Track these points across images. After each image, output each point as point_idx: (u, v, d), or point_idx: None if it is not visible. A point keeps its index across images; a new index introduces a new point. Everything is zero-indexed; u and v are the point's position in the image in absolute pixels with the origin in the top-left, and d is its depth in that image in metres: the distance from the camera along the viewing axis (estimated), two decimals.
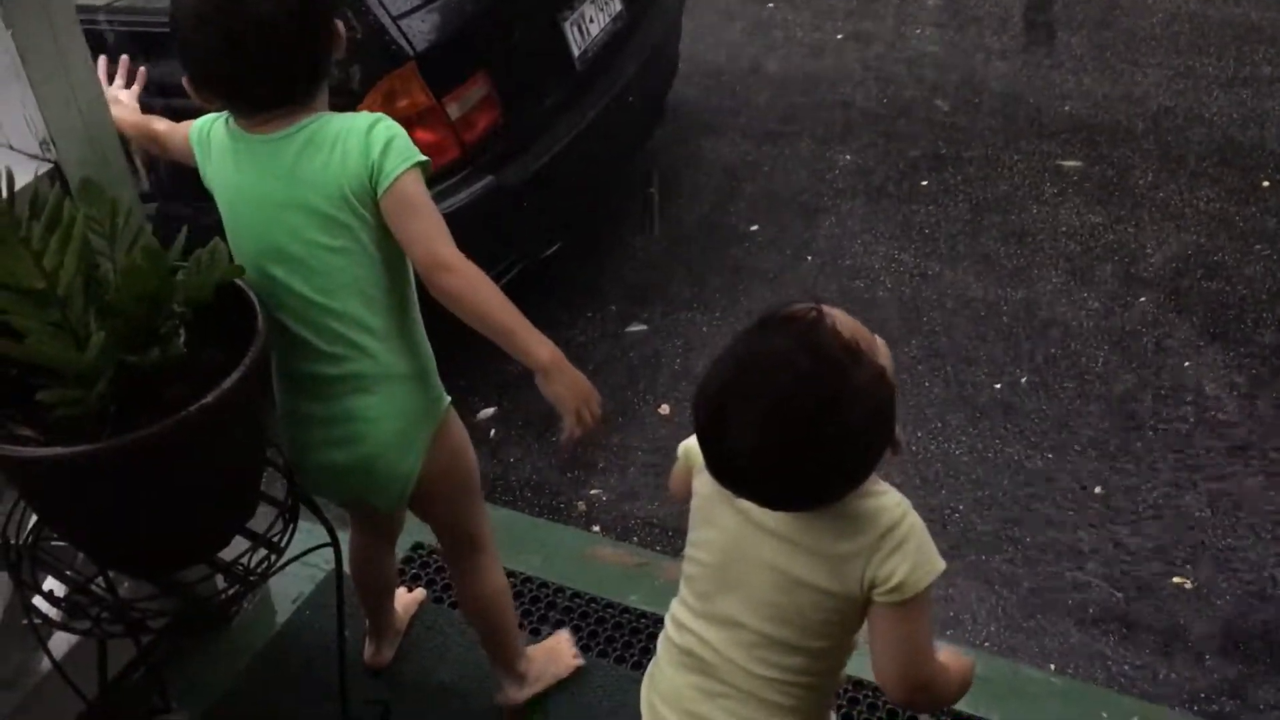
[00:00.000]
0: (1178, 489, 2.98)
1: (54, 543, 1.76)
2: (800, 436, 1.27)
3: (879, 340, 1.36)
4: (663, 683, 1.55)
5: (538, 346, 1.69)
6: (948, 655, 1.51)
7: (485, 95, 3.18)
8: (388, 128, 1.68)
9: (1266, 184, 4.07)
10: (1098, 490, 3.00)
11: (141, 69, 2.06)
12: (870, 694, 2.20)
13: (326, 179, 1.66)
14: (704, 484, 1.47)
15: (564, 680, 2.24)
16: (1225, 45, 4.85)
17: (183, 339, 1.58)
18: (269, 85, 1.66)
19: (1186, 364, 3.35)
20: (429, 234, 1.68)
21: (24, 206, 1.48)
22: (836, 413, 1.26)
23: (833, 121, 4.61)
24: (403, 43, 2.99)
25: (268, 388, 1.80)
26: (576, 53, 3.52)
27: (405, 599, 2.40)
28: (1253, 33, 4.92)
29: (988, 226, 3.98)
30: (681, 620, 1.52)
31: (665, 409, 3.36)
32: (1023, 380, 3.35)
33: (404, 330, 1.81)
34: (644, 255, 4.01)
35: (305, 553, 1.81)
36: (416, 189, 1.67)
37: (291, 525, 1.77)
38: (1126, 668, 2.56)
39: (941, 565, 1.36)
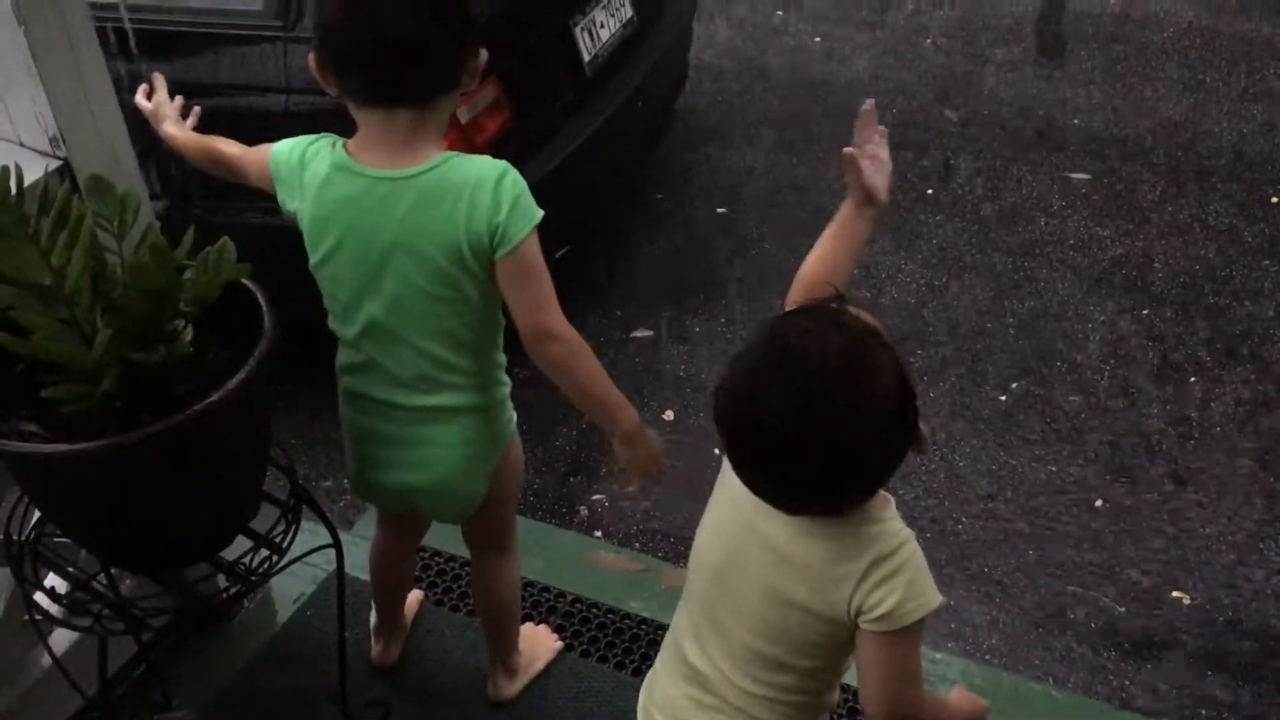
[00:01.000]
0: (1181, 504, 2.98)
1: (56, 539, 1.76)
2: (833, 415, 1.25)
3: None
4: (659, 691, 1.55)
5: (624, 417, 1.75)
6: (961, 696, 1.50)
7: (495, 99, 3.18)
8: (515, 182, 1.63)
9: (1276, 200, 4.07)
10: (1100, 504, 2.99)
11: (197, 108, 1.96)
12: None
13: (447, 231, 1.61)
14: (721, 480, 1.47)
15: (564, 686, 2.25)
16: (1236, 60, 4.85)
17: (189, 337, 1.58)
18: (400, 75, 1.59)
19: (1192, 379, 3.34)
20: (539, 299, 1.67)
21: (33, 203, 1.48)
22: (867, 387, 1.25)
23: (841, 129, 4.59)
24: None
25: (273, 388, 1.80)
26: (587, 58, 3.52)
27: (407, 599, 2.40)
28: (1264, 48, 4.92)
29: (995, 238, 3.97)
30: (681, 629, 1.52)
31: (669, 415, 3.36)
32: (1028, 392, 3.34)
33: (487, 367, 1.80)
34: (651, 261, 4.01)
35: (307, 553, 1.81)
36: (534, 252, 1.65)
37: (294, 526, 1.77)
38: (1128, 682, 2.56)
39: (936, 601, 1.34)
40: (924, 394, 3.35)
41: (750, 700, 1.43)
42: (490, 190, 1.61)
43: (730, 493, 1.42)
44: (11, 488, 1.78)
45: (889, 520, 1.36)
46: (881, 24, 5.33)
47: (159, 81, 1.95)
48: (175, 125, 1.89)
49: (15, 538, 1.71)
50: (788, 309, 1.45)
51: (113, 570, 1.72)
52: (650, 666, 1.62)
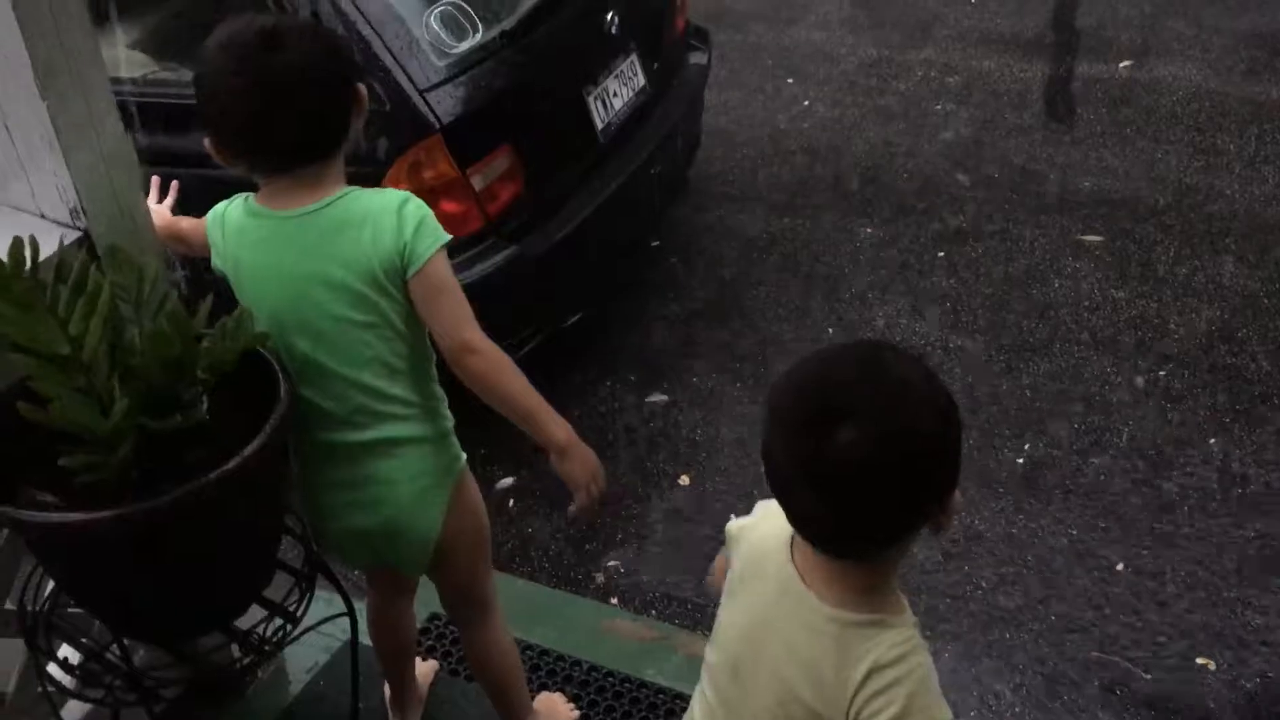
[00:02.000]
0: (1204, 567, 2.94)
1: (70, 609, 1.76)
2: (913, 450, 1.24)
3: None
4: None
5: (556, 428, 1.78)
6: None
7: (509, 167, 3.21)
8: (418, 207, 1.70)
9: None
10: (1121, 568, 2.96)
11: (175, 182, 2.06)
12: None
13: (358, 256, 1.68)
14: (737, 561, 1.46)
15: None
16: (1245, 123, 4.87)
17: (205, 405, 1.58)
18: (294, 135, 1.66)
19: (1211, 440, 3.32)
20: (455, 316, 1.72)
21: (50, 272, 1.49)
22: (946, 426, 1.27)
23: (853, 195, 4.64)
24: (429, 115, 3.03)
25: (289, 455, 1.80)
26: (600, 126, 3.56)
27: (421, 668, 2.38)
28: (1274, 111, 4.94)
29: (1009, 300, 3.97)
30: (696, 716, 1.51)
31: (685, 480, 3.35)
32: (1045, 455, 3.32)
33: (424, 396, 1.82)
34: (665, 326, 4.01)
35: (321, 622, 1.80)
36: (444, 270, 1.71)
37: (308, 594, 1.76)
38: None
39: (946, 717, 1.30)
40: None
41: None
42: (394, 213, 1.68)
43: (752, 591, 1.42)
44: (26, 557, 1.77)
45: (897, 627, 1.32)
46: (891, 90, 5.38)
47: (173, 189, 2.04)
48: (154, 213, 1.94)
49: (29, 609, 1.71)
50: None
51: (126, 641, 1.71)
52: None
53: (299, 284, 1.71)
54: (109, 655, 1.70)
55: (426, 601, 2.23)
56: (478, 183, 3.13)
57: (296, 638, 1.73)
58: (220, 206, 1.82)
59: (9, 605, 1.80)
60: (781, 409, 1.30)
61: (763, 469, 1.32)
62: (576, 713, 2.30)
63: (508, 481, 3.37)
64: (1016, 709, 2.62)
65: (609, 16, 3.57)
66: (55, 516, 1.48)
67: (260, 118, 1.64)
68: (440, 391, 1.86)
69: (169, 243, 1.97)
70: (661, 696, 2.35)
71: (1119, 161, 4.71)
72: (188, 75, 3.17)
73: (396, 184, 2.93)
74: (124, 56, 3.19)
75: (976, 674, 2.68)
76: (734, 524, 1.51)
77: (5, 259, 1.41)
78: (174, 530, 1.50)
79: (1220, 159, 4.66)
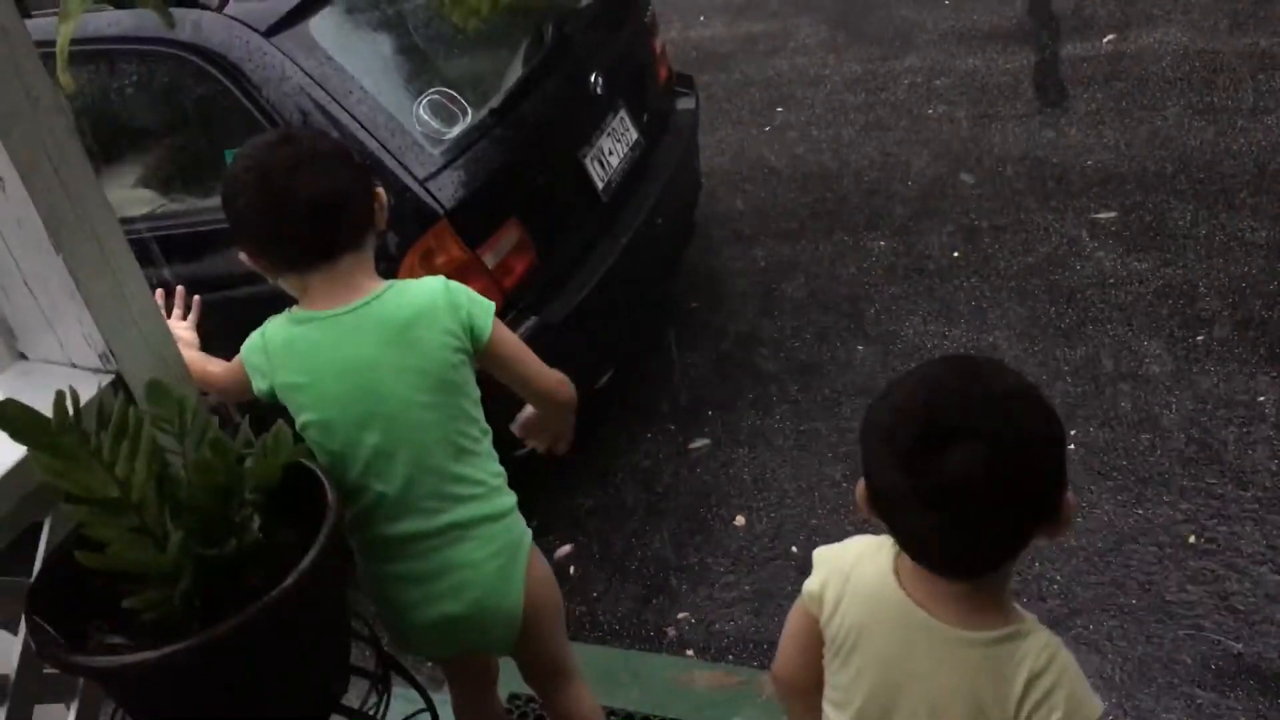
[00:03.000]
0: (1275, 527, 2.89)
1: None
2: (1028, 457, 1.25)
3: None
4: None
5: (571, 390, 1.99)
6: None
7: (518, 240, 3.24)
8: (458, 285, 1.80)
9: None
10: (1193, 540, 2.91)
11: (197, 298, 2.12)
12: None
13: (424, 338, 1.74)
14: (839, 616, 1.41)
15: None
16: (1240, 77, 4.85)
17: (257, 524, 1.59)
18: (334, 228, 1.73)
19: (1261, 398, 3.27)
20: (538, 361, 1.89)
21: (90, 419, 1.51)
22: (1052, 426, 1.29)
23: (861, 211, 4.64)
24: (432, 203, 3.07)
25: (347, 559, 1.81)
26: (600, 185, 3.59)
27: None
28: (1266, 60, 4.92)
29: (1034, 290, 3.95)
30: None
31: (740, 520, 3.33)
32: (1098, 438, 3.28)
33: (490, 475, 1.85)
34: (696, 370, 4.02)
35: None
36: (507, 330, 1.83)
37: (385, 695, 1.76)
38: None
39: (1098, 711, 1.30)
40: None
41: None
42: (443, 294, 1.77)
43: (875, 638, 1.38)
44: (105, 702, 1.78)
45: (1034, 632, 1.32)
46: (881, 103, 5.40)
47: (179, 297, 2.10)
48: (185, 347, 1.95)
49: None
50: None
51: None
52: None
53: (364, 375, 1.74)
54: None
55: (504, 681, 2.22)
56: (490, 260, 3.15)
57: None
58: (255, 334, 1.84)
59: None
60: (886, 433, 1.28)
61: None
62: None
63: (566, 549, 3.37)
64: (1111, 699, 2.57)
65: (593, 78, 3.61)
66: (123, 660, 1.49)
67: (285, 209, 1.70)
68: (501, 469, 1.88)
69: (200, 387, 1.96)
70: None
71: (1120, 135, 4.69)
72: (198, 203, 3.25)
73: (412, 274, 2.96)
74: (130, 196, 3.25)
75: None
76: (813, 582, 1.46)
77: (50, 414, 1.43)
78: (243, 652, 1.50)
79: (1221, 116, 4.64)
